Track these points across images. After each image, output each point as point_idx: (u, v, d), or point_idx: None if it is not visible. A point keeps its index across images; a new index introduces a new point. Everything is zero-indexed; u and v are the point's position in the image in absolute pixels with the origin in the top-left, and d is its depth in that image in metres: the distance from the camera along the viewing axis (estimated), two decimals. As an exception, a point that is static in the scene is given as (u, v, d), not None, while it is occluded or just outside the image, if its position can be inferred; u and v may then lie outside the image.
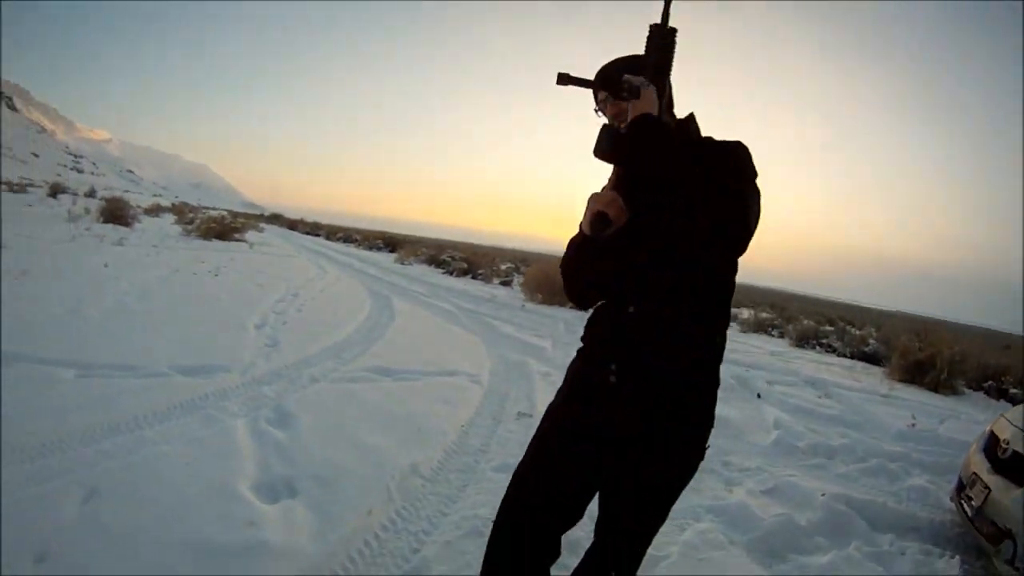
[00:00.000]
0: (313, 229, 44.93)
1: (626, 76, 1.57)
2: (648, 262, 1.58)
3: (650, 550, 2.82)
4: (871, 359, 12.96)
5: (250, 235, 23.09)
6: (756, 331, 16.51)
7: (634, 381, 1.59)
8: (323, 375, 5.37)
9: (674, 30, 1.58)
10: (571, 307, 11.54)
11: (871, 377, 10.30)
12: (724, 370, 5.15)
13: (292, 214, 70.43)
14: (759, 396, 6.97)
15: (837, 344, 14.29)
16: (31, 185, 40.36)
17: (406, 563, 2.66)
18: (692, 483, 3.72)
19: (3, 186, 34.75)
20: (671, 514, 3.16)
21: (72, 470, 2.94)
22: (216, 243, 18.60)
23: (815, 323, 18.52)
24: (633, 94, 1.55)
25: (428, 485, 3.46)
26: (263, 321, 7.26)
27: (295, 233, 40.65)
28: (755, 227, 1.46)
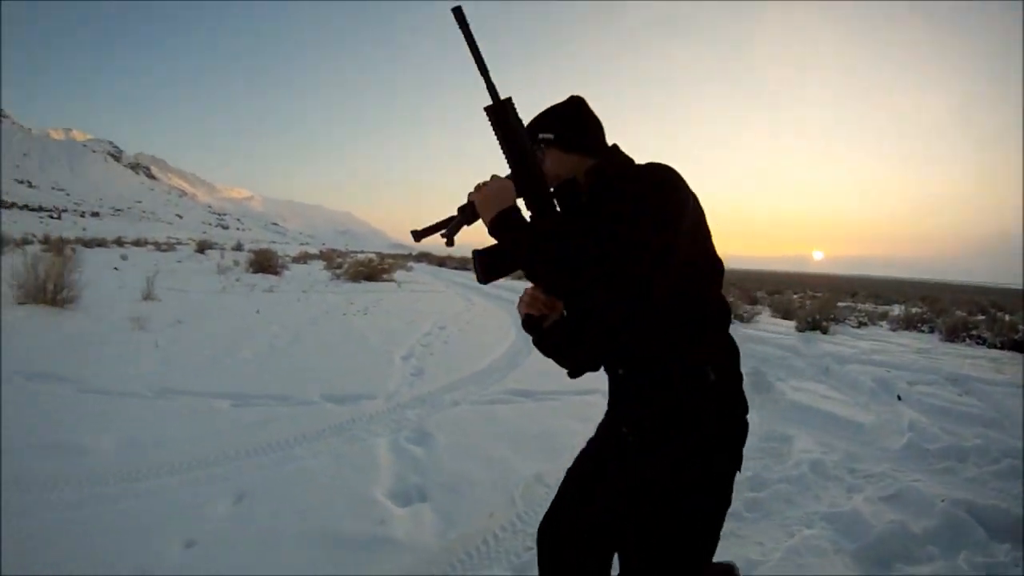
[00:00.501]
0: (461, 265, 46.76)
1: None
2: (601, 329, 1.75)
3: (753, 554, 3.12)
4: (1021, 347, 12.07)
5: (398, 275, 24.44)
6: (907, 328, 16.05)
7: (641, 437, 1.78)
8: (463, 399, 5.94)
9: (504, 103, 1.70)
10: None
11: (1017, 367, 9.46)
12: (866, 372, 5.20)
13: (439, 252, 73.50)
14: (899, 398, 6.80)
15: (987, 335, 13.54)
16: (179, 243, 45.04)
17: (517, 559, 3.08)
18: (813, 490, 3.73)
19: (151, 246, 38.96)
20: (782, 520, 3.45)
21: (226, 479, 3.70)
22: (365, 284, 19.94)
23: (966, 314, 18.02)
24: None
25: (551, 492, 3.70)
26: (409, 353, 7.97)
27: (444, 269, 42.58)
28: (645, 244, 1.51)
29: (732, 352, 1.76)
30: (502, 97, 1.70)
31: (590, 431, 4.73)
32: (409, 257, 61.53)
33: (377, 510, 3.43)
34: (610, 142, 1.86)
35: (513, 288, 21.69)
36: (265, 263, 22.26)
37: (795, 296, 19.85)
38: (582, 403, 5.83)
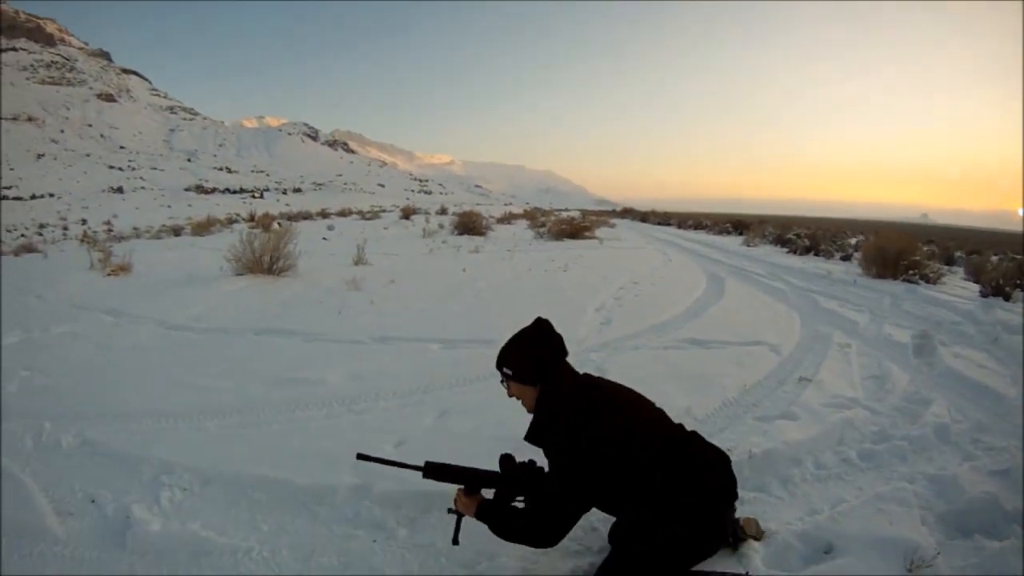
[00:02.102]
0: (664, 219, 46.50)
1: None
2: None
3: (845, 494, 3.56)
4: None
5: (600, 231, 24.81)
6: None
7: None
8: (642, 345, 6.81)
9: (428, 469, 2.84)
10: (904, 280, 11.32)
11: None
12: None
13: (642, 206, 73.23)
14: None
15: None
16: (383, 211, 47.93)
17: None
18: (928, 452, 4.22)
19: (356, 215, 41.69)
20: (890, 473, 3.90)
21: (433, 401, 4.98)
22: (567, 242, 20.74)
23: None
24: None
25: (695, 424, 4.52)
26: (602, 305, 8.89)
27: (646, 225, 42.63)
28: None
29: (679, 494, 2.64)
30: None
31: (745, 375, 5.76)
32: (612, 213, 61.85)
33: None
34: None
35: (712, 244, 21.79)
36: (470, 225, 23.48)
37: (994, 258, 17.88)
38: (745, 352, 6.42)
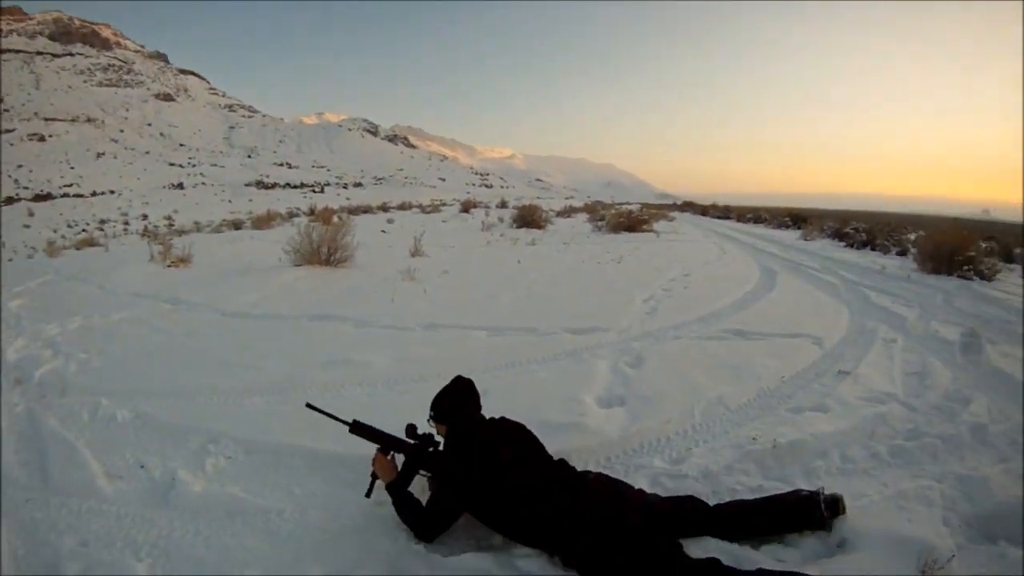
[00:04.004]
0: (724, 213, 45.80)
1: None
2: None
3: (868, 490, 3.47)
4: None
5: (658, 225, 24.54)
6: None
7: None
8: (685, 334, 6.77)
9: (355, 427, 3.54)
10: (958, 276, 10.93)
11: None
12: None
13: (704, 200, 72.42)
14: None
15: None
16: (443, 205, 48.18)
17: (676, 455, 4.00)
18: (961, 452, 4.02)
19: (416, 209, 41.99)
20: (918, 470, 3.76)
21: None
22: (625, 235, 20.58)
23: None
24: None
25: (727, 413, 4.60)
26: (651, 296, 8.85)
27: (705, 218, 42.13)
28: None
29: (543, 502, 3.01)
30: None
31: (784, 367, 5.66)
32: (673, 207, 61.39)
33: (582, 408, 4.55)
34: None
35: (769, 238, 21.48)
36: (529, 218, 23.49)
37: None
38: (787, 344, 6.33)
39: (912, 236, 18.29)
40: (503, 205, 41.86)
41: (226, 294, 9.15)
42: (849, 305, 8.46)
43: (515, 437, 3.41)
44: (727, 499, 3.33)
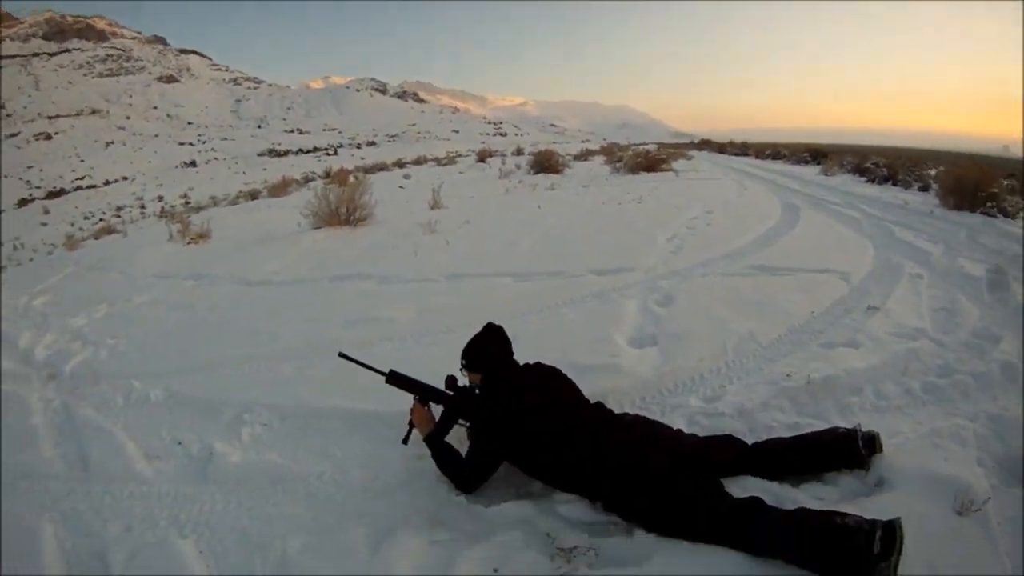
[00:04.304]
0: (742, 150, 44.96)
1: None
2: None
3: (903, 427, 3.45)
4: None
5: (677, 164, 23.87)
6: None
7: None
8: (711, 271, 6.76)
9: (392, 377, 3.57)
10: (982, 213, 10.66)
11: None
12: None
13: (720, 137, 71.13)
14: None
15: None
16: (459, 156, 47.72)
17: (711, 393, 4.02)
18: (993, 390, 3.93)
19: (432, 162, 41.68)
20: (951, 407, 3.71)
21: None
22: (643, 176, 20.15)
23: None
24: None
25: (759, 349, 4.59)
26: (673, 235, 8.76)
27: (723, 156, 41.41)
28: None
29: (564, 448, 3.04)
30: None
31: (812, 302, 5.59)
32: (690, 145, 60.42)
33: (613, 348, 4.60)
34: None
35: (788, 174, 21.17)
36: (546, 163, 23.10)
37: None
38: (814, 280, 6.27)
39: (933, 172, 17.95)
40: (519, 152, 41.33)
41: (247, 264, 9.14)
42: (873, 240, 8.33)
43: (544, 383, 3.40)
44: (764, 437, 3.34)
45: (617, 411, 3.39)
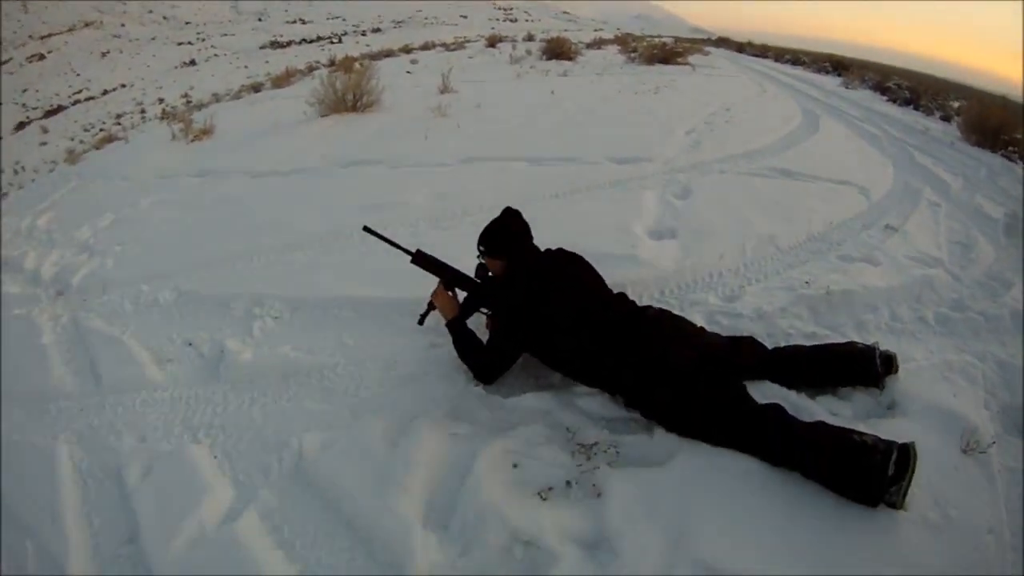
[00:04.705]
0: (761, 51, 43.77)
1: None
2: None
3: (917, 354, 3.39)
4: None
5: (694, 58, 23.58)
6: None
7: None
8: (730, 168, 6.63)
9: (416, 255, 3.38)
10: (1002, 155, 10.39)
11: None
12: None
13: (739, 37, 69.21)
14: None
15: None
16: (468, 42, 46.23)
17: (730, 292, 4.02)
18: (1002, 335, 3.82)
19: (440, 48, 40.54)
20: (962, 342, 3.65)
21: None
22: (659, 67, 19.19)
23: None
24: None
25: (778, 253, 4.57)
26: (692, 128, 8.52)
27: (742, 56, 40.44)
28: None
29: (589, 332, 2.96)
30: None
31: (830, 210, 5.47)
32: (707, 42, 58.85)
33: (633, 239, 4.57)
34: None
35: (808, 80, 20.69)
36: (558, 50, 22.31)
37: None
38: (833, 190, 6.14)
39: (955, 104, 17.55)
40: (530, 39, 40.18)
41: (254, 156, 8.85)
42: (893, 160, 8.12)
43: (566, 269, 3.29)
44: (782, 342, 3.35)
45: (639, 304, 3.30)
